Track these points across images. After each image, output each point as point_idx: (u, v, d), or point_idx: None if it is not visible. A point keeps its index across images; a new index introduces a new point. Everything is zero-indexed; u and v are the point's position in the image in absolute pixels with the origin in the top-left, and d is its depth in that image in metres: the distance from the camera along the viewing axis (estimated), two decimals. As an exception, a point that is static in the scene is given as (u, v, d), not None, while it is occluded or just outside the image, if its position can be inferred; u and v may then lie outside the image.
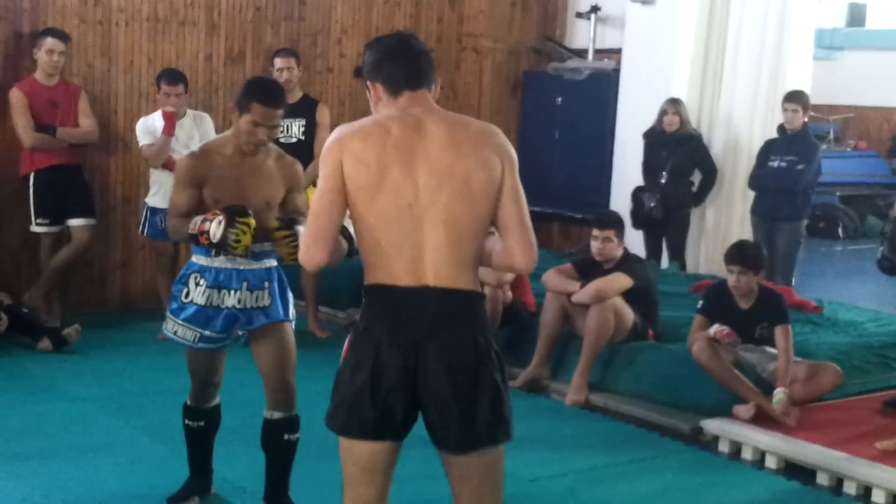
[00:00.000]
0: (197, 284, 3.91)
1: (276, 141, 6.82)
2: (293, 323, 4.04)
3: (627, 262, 6.11)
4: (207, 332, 3.91)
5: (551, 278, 6.19)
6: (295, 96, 7.12)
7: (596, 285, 5.92)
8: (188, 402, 4.16)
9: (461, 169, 2.74)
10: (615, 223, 6.19)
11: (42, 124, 6.78)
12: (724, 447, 5.22)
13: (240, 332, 3.97)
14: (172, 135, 6.60)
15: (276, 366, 3.92)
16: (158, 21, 7.64)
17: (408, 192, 2.71)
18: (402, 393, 2.72)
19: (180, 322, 3.91)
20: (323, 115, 7.13)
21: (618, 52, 8.80)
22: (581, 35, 9.32)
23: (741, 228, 7.95)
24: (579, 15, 9.24)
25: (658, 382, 5.72)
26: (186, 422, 4.17)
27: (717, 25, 8.29)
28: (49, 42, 6.83)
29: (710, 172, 7.99)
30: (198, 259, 3.95)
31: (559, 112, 9.12)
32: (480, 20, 9.16)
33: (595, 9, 9.03)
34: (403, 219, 2.72)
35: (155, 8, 7.62)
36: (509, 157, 2.82)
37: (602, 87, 8.80)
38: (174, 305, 3.96)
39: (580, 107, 8.98)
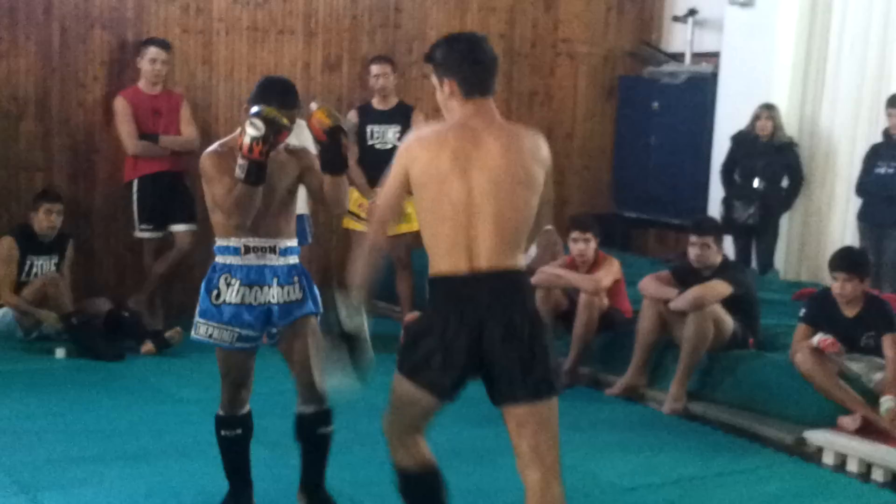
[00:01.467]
0: (228, 285, 3.90)
1: (372, 147, 6.99)
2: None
3: (727, 270, 6.01)
4: (245, 332, 3.91)
5: (648, 285, 6.12)
6: (390, 103, 7.19)
7: (695, 292, 5.83)
8: (220, 413, 4.09)
9: (511, 177, 3.18)
10: (714, 229, 6.10)
11: (145, 132, 6.94)
12: (828, 459, 5.10)
13: (274, 330, 3.96)
14: (272, 142, 6.73)
15: (309, 360, 3.94)
16: (258, 30, 7.78)
17: (463, 195, 3.16)
18: (469, 363, 3.17)
19: (215, 324, 3.90)
20: (418, 121, 7.16)
21: (716, 55, 8.68)
22: (678, 39, 9.21)
23: (842, 235, 7.78)
24: (676, 18, 9.13)
25: (759, 392, 5.61)
26: (222, 433, 4.09)
27: (819, 27, 8.11)
28: (152, 51, 7.00)
29: (798, 180, 7.89)
30: (224, 259, 3.94)
31: (655, 117, 9.02)
32: (575, 25, 9.12)
33: (693, 12, 8.91)
34: (459, 217, 3.16)
35: (254, 17, 7.76)
36: (549, 168, 3.29)
37: (699, 92, 8.68)
38: (204, 308, 3.93)
39: (677, 112, 8.86)
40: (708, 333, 5.76)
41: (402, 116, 7.14)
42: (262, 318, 3.92)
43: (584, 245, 6.38)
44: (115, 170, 7.21)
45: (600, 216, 8.01)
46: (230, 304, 3.89)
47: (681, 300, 5.85)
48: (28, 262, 6.69)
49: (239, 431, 4.10)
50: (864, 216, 7.46)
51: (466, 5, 8.61)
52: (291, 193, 4.00)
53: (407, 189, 3.25)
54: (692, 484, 4.77)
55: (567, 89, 9.19)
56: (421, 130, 3.36)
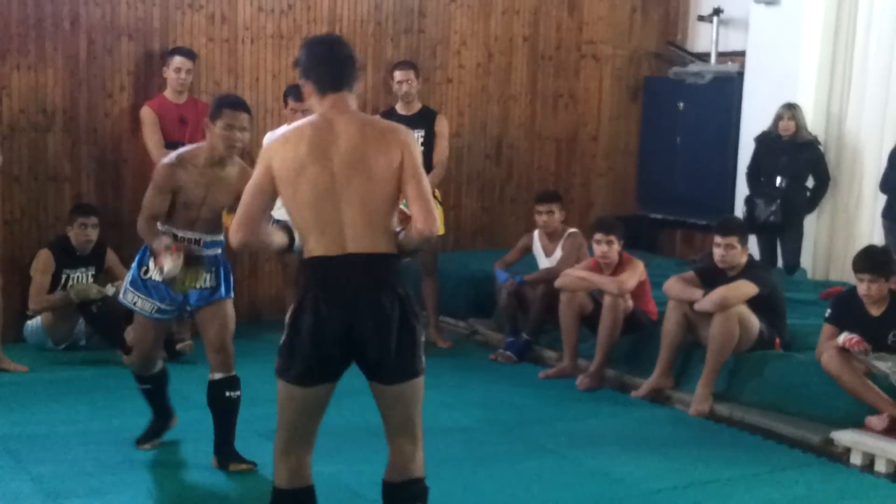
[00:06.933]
0: (156, 265, 4.58)
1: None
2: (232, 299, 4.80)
3: (752, 270, 5.98)
4: (163, 305, 4.65)
5: (673, 286, 6.10)
6: (414, 108, 7.20)
7: (720, 293, 5.80)
8: (135, 372, 4.90)
9: (366, 159, 3.30)
10: (738, 230, 6.08)
11: (171, 141, 6.99)
12: (856, 459, 5.08)
13: (188, 308, 4.70)
14: (296, 149, 6.79)
15: (219, 333, 4.67)
16: (283, 38, 7.82)
17: (324, 181, 3.29)
18: (340, 343, 3.27)
19: (140, 295, 4.66)
20: (442, 125, 7.18)
21: (742, 54, 8.64)
22: (703, 38, 9.17)
23: (871, 233, 7.71)
24: (701, 18, 9.10)
25: (786, 392, 5.59)
26: (138, 385, 4.94)
27: (845, 25, 8.05)
28: (177, 60, 7.07)
29: (824, 181, 7.86)
30: None
31: (681, 117, 8.99)
32: (600, 27, 9.10)
33: (718, 11, 8.87)
34: (323, 203, 3.29)
35: (279, 25, 7.80)
36: (408, 146, 3.35)
37: (725, 91, 8.64)
38: (133, 279, 4.68)
39: (703, 112, 8.83)
40: (734, 334, 5.73)
41: (425, 121, 7.15)
42: (179, 297, 4.63)
43: (606, 247, 6.37)
44: (142, 179, 7.24)
45: (626, 217, 7.99)
46: (155, 280, 4.60)
47: (706, 301, 5.83)
48: (64, 276, 6.80)
49: (149, 386, 4.92)
50: (888, 213, 7.39)
51: (490, 9, 8.62)
52: (225, 207, 4.54)
53: (273, 185, 3.34)
54: (718, 486, 4.75)
55: (592, 91, 9.17)
56: (282, 129, 3.54)
